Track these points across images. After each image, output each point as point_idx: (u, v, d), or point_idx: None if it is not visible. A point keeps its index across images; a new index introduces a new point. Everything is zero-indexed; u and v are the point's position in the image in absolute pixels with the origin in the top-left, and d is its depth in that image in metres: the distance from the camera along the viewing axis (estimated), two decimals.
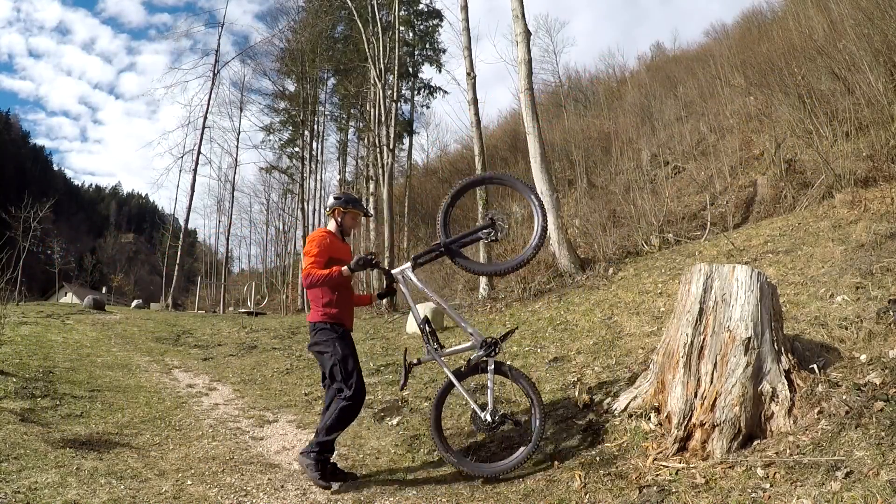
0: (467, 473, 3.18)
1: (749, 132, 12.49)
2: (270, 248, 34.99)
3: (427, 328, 3.36)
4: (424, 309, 8.29)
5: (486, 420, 3.19)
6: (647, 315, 5.60)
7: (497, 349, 3.26)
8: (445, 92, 26.55)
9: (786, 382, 2.85)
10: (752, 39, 15.69)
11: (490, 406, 3.21)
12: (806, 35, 11.01)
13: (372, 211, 18.70)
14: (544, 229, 3.39)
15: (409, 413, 4.54)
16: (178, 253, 24.48)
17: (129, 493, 2.92)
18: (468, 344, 3.35)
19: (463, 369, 3.37)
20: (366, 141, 22.64)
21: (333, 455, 3.35)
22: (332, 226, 3.53)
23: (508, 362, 3.61)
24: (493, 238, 3.45)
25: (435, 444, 3.35)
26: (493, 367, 3.26)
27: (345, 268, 3.23)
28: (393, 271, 3.51)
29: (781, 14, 15.98)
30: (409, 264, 3.47)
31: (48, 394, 4.82)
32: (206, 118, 25.14)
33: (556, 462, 3.13)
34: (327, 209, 3.57)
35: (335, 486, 3.15)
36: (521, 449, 3.17)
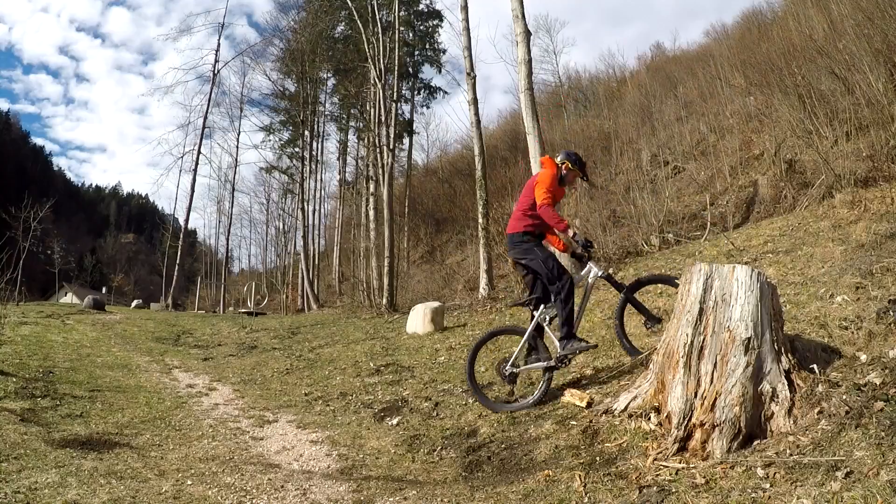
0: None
1: (749, 132, 12.48)
2: (270, 248, 35.06)
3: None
4: (423, 308, 8.30)
5: (506, 371, 4.17)
6: None
7: (565, 364, 4.13)
8: (445, 92, 26.61)
9: (786, 382, 2.85)
10: (752, 39, 15.66)
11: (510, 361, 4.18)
12: (806, 35, 10.99)
13: (372, 212, 18.71)
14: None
15: (409, 413, 4.54)
16: (178, 253, 24.48)
17: (129, 493, 2.92)
18: (542, 364, 4.08)
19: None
20: (366, 141, 22.63)
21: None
22: (555, 171, 4.18)
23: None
24: (653, 328, 4.16)
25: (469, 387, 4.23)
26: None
27: (571, 235, 3.97)
28: (591, 264, 4.11)
29: (781, 14, 15.96)
30: (601, 272, 4.07)
31: (48, 394, 4.83)
32: (206, 118, 25.20)
33: (555, 462, 3.13)
34: (559, 160, 4.23)
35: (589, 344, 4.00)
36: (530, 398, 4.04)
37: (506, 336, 4.78)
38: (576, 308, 4.05)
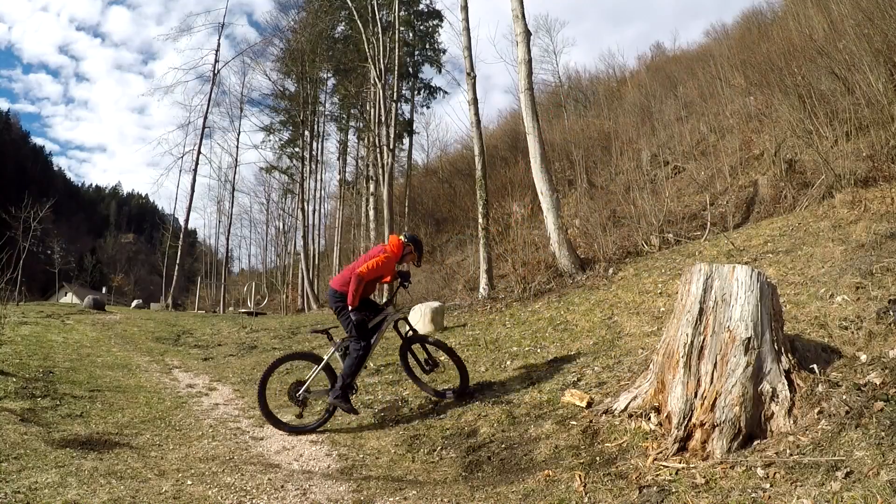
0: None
1: (749, 132, 12.48)
2: (270, 248, 35.06)
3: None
4: (423, 308, 8.31)
5: (298, 395, 4.39)
6: (647, 315, 5.61)
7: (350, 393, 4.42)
8: (445, 92, 26.61)
9: (786, 382, 2.85)
10: (752, 39, 15.66)
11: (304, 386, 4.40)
12: (806, 35, 11.00)
13: (372, 212, 18.72)
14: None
15: (409, 413, 4.55)
16: (178, 253, 24.45)
17: (129, 493, 2.92)
18: (324, 391, 4.46)
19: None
20: (366, 141, 22.64)
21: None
22: (398, 254, 4.59)
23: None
24: (430, 371, 4.78)
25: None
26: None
27: (352, 314, 4.34)
28: (390, 309, 4.74)
29: (781, 14, 15.97)
30: (397, 317, 4.74)
31: (48, 394, 4.82)
32: (206, 118, 25.12)
33: (554, 462, 3.13)
34: (404, 239, 4.66)
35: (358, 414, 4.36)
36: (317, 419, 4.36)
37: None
38: (361, 370, 4.46)
